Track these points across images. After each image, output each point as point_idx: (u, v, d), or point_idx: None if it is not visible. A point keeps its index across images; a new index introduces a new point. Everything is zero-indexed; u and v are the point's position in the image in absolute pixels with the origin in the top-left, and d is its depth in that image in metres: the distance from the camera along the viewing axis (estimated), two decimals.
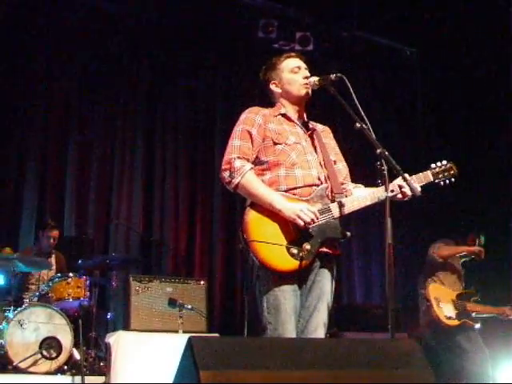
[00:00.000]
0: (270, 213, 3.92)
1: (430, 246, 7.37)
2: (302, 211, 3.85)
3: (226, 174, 4.02)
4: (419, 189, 3.97)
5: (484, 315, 7.13)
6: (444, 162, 4.19)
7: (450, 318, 6.93)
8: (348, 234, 4.01)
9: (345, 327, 7.71)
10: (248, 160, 4.04)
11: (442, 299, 7.02)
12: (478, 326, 6.93)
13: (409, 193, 3.99)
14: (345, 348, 3.03)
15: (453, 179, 4.18)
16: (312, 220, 3.87)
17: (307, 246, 3.88)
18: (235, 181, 3.99)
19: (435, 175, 4.15)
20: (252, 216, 3.96)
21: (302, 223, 3.85)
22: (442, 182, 4.17)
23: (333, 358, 2.90)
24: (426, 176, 4.13)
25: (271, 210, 3.92)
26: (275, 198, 3.92)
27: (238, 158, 4.02)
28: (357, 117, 3.88)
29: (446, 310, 6.96)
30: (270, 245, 3.84)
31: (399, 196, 4.01)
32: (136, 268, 8.06)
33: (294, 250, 3.87)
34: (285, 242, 3.88)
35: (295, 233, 3.90)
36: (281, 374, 2.74)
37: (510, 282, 7.92)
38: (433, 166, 4.18)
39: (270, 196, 3.93)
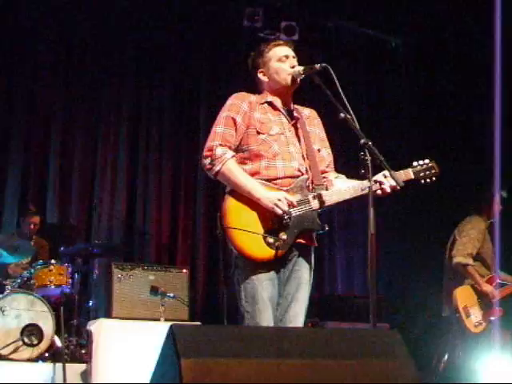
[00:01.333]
0: (249, 201, 3.94)
1: (455, 232, 7.27)
2: (279, 200, 3.88)
3: (207, 161, 4.04)
4: (403, 183, 3.97)
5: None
6: (426, 161, 4.19)
7: (477, 325, 6.93)
8: (325, 226, 4.03)
9: (326, 317, 7.74)
10: (230, 148, 4.05)
11: (469, 304, 6.96)
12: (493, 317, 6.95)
13: (388, 190, 3.99)
14: (325, 337, 3.04)
15: (434, 178, 4.18)
16: (289, 209, 3.88)
17: (284, 236, 3.90)
18: (216, 168, 4.00)
19: (416, 173, 4.14)
20: (230, 203, 3.98)
21: (279, 211, 3.87)
22: (423, 181, 4.16)
23: (313, 347, 2.91)
24: (407, 173, 4.12)
25: (250, 198, 3.93)
26: (255, 186, 3.93)
27: (220, 145, 4.03)
28: (341, 107, 3.88)
29: (474, 318, 6.94)
30: (246, 232, 3.86)
31: (378, 192, 3.98)
32: (118, 255, 8.03)
33: (271, 239, 3.89)
34: (262, 231, 3.90)
35: (273, 222, 3.92)
36: (262, 363, 2.75)
37: None
38: (415, 163, 4.17)
39: (250, 184, 3.94)
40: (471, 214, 7.34)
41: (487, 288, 6.97)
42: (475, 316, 6.92)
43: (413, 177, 4.13)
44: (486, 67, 8.06)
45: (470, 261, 7.01)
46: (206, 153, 4.07)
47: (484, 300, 6.99)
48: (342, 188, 4.10)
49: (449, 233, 8.13)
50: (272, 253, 3.90)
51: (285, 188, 4.01)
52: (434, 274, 8.93)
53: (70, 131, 8.70)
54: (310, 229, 4.03)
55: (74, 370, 6.26)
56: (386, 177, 3.97)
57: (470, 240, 7.11)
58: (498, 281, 7.07)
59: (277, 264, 3.99)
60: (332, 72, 4.01)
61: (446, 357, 7.43)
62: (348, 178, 4.26)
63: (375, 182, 3.94)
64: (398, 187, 3.94)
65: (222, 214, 3.96)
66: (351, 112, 3.88)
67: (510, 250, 7.45)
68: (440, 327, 8.32)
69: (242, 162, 4.09)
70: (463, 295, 7.00)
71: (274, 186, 4.01)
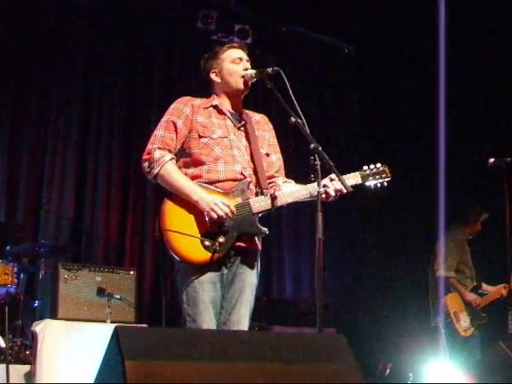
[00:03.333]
0: (187, 204, 3.95)
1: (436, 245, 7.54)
2: (216, 204, 3.89)
3: (145, 164, 4.08)
4: (350, 188, 3.97)
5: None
6: (378, 165, 4.17)
7: (466, 329, 7.23)
8: (265, 230, 4.03)
9: (273, 321, 7.76)
10: (170, 151, 4.08)
11: (459, 309, 7.27)
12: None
13: (332, 193, 4.00)
14: (271, 341, 3.04)
15: (385, 183, 4.17)
16: (226, 214, 3.88)
17: (221, 239, 3.92)
18: (154, 171, 4.03)
19: (364, 177, 4.13)
20: (168, 206, 4.00)
21: (215, 216, 3.88)
22: (372, 185, 4.15)
23: (259, 350, 2.91)
24: (355, 177, 4.12)
25: (188, 200, 3.92)
26: (193, 189, 3.95)
27: (159, 148, 4.06)
28: (292, 111, 3.90)
29: (463, 323, 7.24)
30: (183, 235, 3.86)
31: (323, 196, 3.97)
32: (65, 256, 7.94)
33: (208, 243, 3.90)
34: (199, 234, 3.90)
35: (211, 225, 3.94)
36: (207, 366, 2.74)
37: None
38: (364, 167, 4.18)
39: (188, 187, 3.96)
40: (452, 227, 7.61)
41: (470, 297, 7.31)
42: (464, 321, 7.23)
43: (360, 181, 4.12)
44: (433, 75, 8.24)
45: (452, 273, 7.35)
46: (144, 156, 4.11)
47: (470, 307, 7.32)
48: (285, 192, 4.11)
49: (397, 237, 8.27)
50: (209, 256, 3.91)
51: (225, 191, 4.01)
52: (380, 279, 9.04)
53: (17, 129, 8.57)
54: (249, 232, 4.03)
55: (18, 370, 6.18)
56: (332, 180, 3.98)
57: (449, 253, 7.40)
58: (480, 291, 7.42)
59: (218, 267, 3.99)
60: (284, 76, 4.03)
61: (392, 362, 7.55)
62: (298, 183, 4.26)
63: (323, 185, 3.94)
64: (345, 191, 3.94)
65: (160, 216, 4.01)
66: (302, 117, 3.91)
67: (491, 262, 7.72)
68: (384, 331, 8.42)
69: (184, 165, 4.11)
70: (452, 301, 7.32)
71: (214, 189, 4.02)
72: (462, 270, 7.44)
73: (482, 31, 8.47)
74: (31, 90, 8.70)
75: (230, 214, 3.92)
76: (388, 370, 7.82)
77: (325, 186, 3.97)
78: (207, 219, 3.93)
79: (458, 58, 8.43)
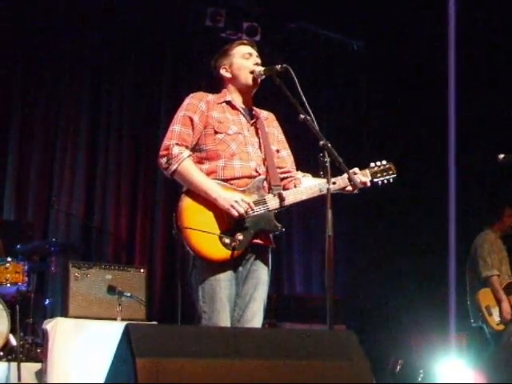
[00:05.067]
0: (205, 201, 3.93)
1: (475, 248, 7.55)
2: (236, 202, 3.87)
3: (163, 160, 4.03)
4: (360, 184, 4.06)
5: None
6: (384, 162, 4.25)
7: (499, 323, 7.25)
8: (282, 227, 4.03)
9: (284, 318, 7.76)
10: (187, 147, 4.04)
11: (492, 304, 7.30)
12: None
13: (358, 185, 4.05)
14: (282, 338, 3.04)
15: (391, 179, 4.23)
16: (246, 211, 3.88)
17: (240, 237, 3.90)
18: (172, 167, 3.99)
19: (373, 174, 4.20)
20: (186, 203, 3.97)
21: (235, 214, 3.87)
22: (380, 182, 4.22)
23: (270, 347, 2.91)
24: (365, 174, 4.17)
25: (206, 198, 3.92)
26: (211, 186, 3.93)
27: (177, 144, 4.02)
28: (301, 108, 3.90)
29: (496, 317, 7.26)
30: (202, 233, 3.85)
31: (349, 188, 4.09)
32: (76, 254, 7.96)
33: (227, 240, 3.89)
34: (218, 231, 3.89)
35: (229, 222, 3.92)
36: (217, 362, 2.74)
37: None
38: (372, 164, 4.23)
39: (206, 184, 3.93)
40: (484, 228, 7.67)
41: (505, 308, 7.26)
42: (496, 315, 7.25)
43: (370, 178, 4.17)
44: (443, 72, 8.20)
45: (495, 271, 7.38)
46: (162, 152, 4.07)
47: None
48: (299, 189, 4.12)
49: (408, 234, 8.25)
50: (228, 253, 3.90)
51: (241, 188, 4.01)
52: (390, 276, 9.01)
53: (27, 128, 8.59)
54: (267, 229, 4.03)
55: (29, 369, 6.20)
56: (355, 174, 4.07)
57: (487, 253, 7.46)
58: None
59: (234, 264, 3.99)
60: (293, 73, 4.02)
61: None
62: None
63: (346, 179, 4.04)
64: (369, 184, 4.09)
65: (178, 213, 3.95)
66: (311, 113, 3.90)
67: None
68: (394, 328, 8.40)
69: (199, 161, 4.08)
70: (485, 296, 7.35)
71: (230, 186, 4.00)
72: (498, 267, 7.50)
73: (494, 27, 8.44)
74: (41, 88, 8.72)
75: (249, 211, 3.92)
76: (398, 367, 7.80)
77: (350, 179, 4.02)
78: (226, 217, 3.92)
79: (469, 55, 8.40)
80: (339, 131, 9.37)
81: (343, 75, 10.29)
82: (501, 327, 7.22)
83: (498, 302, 7.26)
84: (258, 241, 4.03)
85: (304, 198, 4.07)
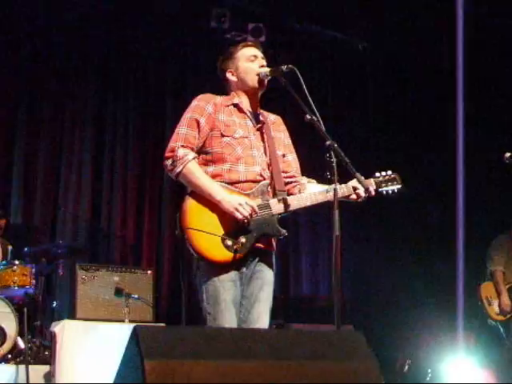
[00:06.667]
0: (209, 203, 3.94)
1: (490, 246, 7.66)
2: (240, 205, 3.87)
3: (168, 162, 4.04)
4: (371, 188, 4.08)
5: None
6: (389, 172, 4.26)
7: (498, 314, 7.41)
8: (284, 231, 4.04)
9: (292, 319, 7.75)
10: (192, 149, 4.04)
11: (493, 296, 7.46)
12: None
13: (363, 194, 4.05)
14: (289, 339, 3.04)
15: (396, 190, 4.23)
16: (250, 214, 3.88)
17: (242, 240, 3.91)
18: (177, 169, 4.00)
19: (378, 184, 4.20)
20: (190, 204, 3.97)
21: (240, 216, 3.87)
22: (384, 192, 4.22)
23: (277, 348, 2.91)
24: (369, 183, 4.16)
25: (211, 200, 3.92)
26: (216, 188, 3.93)
27: (182, 146, 4.02)
28: (307, 109, 3.90)
29: (496, 308, 7.42)
30: (205, 234, 3.86)
31: (353, 197, 4.09)
32: (83, 256, 7.98)
33: (229, 242, 3.89)
34: (221, 233, 3.90)
35: (232, 225, 3.92)
36: (225, 364, 2.74)
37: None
38: (377, 174, 4.24)
39: (211, 186, 3.94)
40: (502, 233, 7.77)
41: (504, 300, 7.39)
42: (496, 306, 7.42)
43: (375, 187, 4.18)
44: (451, 72, 8.18)
45: (499, 267, 7.53)
46: (167, 154, 4.07)
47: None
48: (303, 195, 4.13)
49: (416, 234, 8.24)
50: (230, 255, 3.90)
51: (246, 192, 4.01)
52: (398, 276, 9.00)
53: (33, 131, 8.61)
54: (269, 234, 4.04)
55: (37, 371, 6.20)
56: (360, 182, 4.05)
57: (496, 252, 7.61)
58: None
59: (239, 265, 3.99)
60: (299, 74, 4.02)
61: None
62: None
63: (351, 188, 4.07)
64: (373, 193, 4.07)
65: (182, 214, 3.96)
66: (317, 114, 3.90)
67: None
68: (402, 328, 8.39)
69: (204, 163, 4.08)
70: (487, 288, 7.53)
71: (235, 189, 4.00)
72: (506, 265, 7.59)
73: (501, 25, 8.41)
74: (47, 90, 8.74)
75: (254, 214, 3.92)
76: (407, 367, 7.80)
77: (355, 188, 4.06)
78: (230, 219, 3.92)
79: (476, 54, 8.37)
80: (344, 132, 9.35)
81: (349, 76, 10.27)
82: (500, 317, 7.36)
83: (499, 295, 7.40)
84: (260, 245, 4.04)
85: (308, 204, 4.07)
